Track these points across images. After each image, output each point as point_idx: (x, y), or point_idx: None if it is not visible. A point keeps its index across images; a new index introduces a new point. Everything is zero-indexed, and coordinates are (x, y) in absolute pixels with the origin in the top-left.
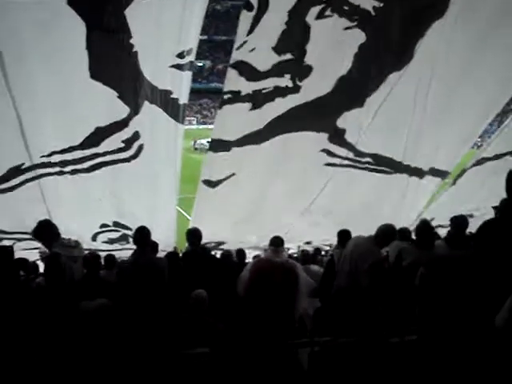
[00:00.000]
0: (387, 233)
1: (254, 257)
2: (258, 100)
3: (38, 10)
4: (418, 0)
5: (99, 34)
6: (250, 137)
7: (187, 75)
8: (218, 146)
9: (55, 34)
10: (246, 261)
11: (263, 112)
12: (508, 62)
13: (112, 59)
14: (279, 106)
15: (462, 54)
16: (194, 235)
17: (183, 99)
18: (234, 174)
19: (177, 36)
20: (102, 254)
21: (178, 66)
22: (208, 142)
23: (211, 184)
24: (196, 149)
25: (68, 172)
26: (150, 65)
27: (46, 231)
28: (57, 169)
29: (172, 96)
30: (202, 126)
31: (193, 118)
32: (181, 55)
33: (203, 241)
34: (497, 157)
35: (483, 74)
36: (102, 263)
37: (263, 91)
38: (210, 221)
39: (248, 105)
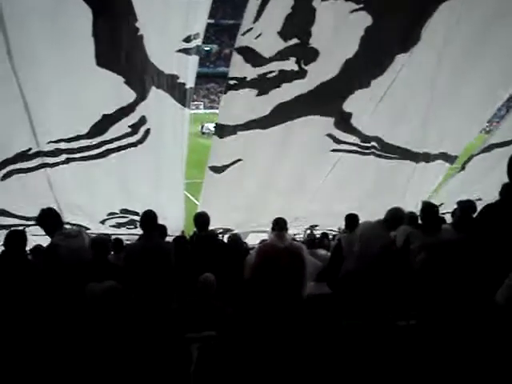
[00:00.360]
0: (396, 216)
1: (261, 241)
2: (263, 86)
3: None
4: None
5: (105, 19)
6: (256, 122)
7: (194, 59)
8: (224, 130)
9: (61, 20)
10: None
11: (269, 98)
12: None
13: (118, 44)
14: (286, 92)
15: (469, 39)
16: (201, 219)
17: (190, 83)
18: (239, 160)
19: (183, 20)
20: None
21: (185, 51)
22: (215, 126)
23: (217, 170)
24: (203, 133)
25: (75, 159)
26: (156, 49)
27: (48, 220)
28: (63, 157)
29: (178, 81)
30: (209, 111)
31: (200, 103)
32: (187, 39)
33: (211, 226)
34: (505, 143)
35: (490, 59)
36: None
37: (268, 75)
38: (217, 206)
39: (254, 91)
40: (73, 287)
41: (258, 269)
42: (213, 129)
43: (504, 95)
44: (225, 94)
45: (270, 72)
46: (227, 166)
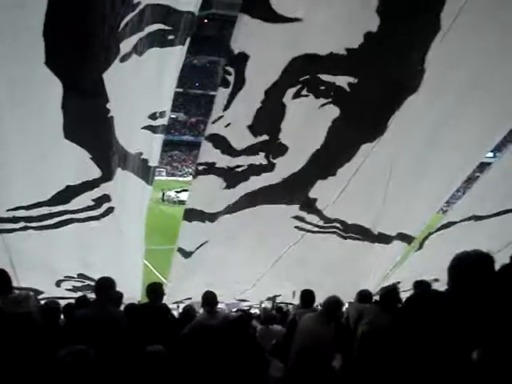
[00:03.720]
0: (331, 307)
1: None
2: (232, 179)
3: (15, 67)
4: (392, 75)
5: (75, 96)
6: (223, 211)
7: (159, 138)
8: (192, 215)
9: (30, 90)
10: None
11: (236, 190)
12: (474, 134)
13: (87, 123)
14: (253, 184)
15: (432, 128)
16: (155, 290)
17: (153, 162)
18: (206, 242)
19: (150, 96)
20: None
21: (150, 128)
22: (176, 192)
23: (185, 254)
24: (164, 200)
25: (33, 227)
26: (123, 128)
27: None
28: (21, 224)
29: (142, 157)
30: (171, 178)
31: (162, 169)
32: (153, 116)
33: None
34: (461, 221)
35: (450, 145)
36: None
37: (237, 169)
38: (184, 285)
39: (222, 182)
40: (20, 352)
41: (188, 349)
42: (174, 196)
43: (464, 175)
44: (194, 178)
45: (239, 166)
46: (195, 250)
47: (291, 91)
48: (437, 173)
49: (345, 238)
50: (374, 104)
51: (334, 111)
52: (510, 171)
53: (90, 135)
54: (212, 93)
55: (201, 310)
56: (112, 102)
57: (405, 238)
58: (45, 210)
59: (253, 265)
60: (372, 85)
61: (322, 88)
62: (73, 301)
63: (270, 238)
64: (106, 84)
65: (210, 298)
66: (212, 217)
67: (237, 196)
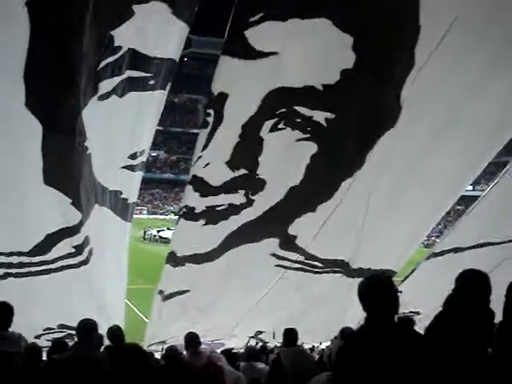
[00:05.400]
0: None
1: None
2: (212, 218)
3: None
4: (369, 111)
5: (55, 136)
6: (205, 255)
7: (138, 175)
8: (175, 259)
9: (10, 135)
10: None
11: (218, 230)
12: (454, 168)
13: (66, 163)
14: (233, 223)
15: (410, 159)
16: (114, 335)
17: (132, 199)
18: (187, 291)
19: (130, 137)
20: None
21: (130, 167)
22: (158, 230)
23: (163, 296)
24: (145, 239)
25: (13, 275)
26: (101, 166)
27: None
28: (1, 271)
29: (122, 196)
30: (152, 216)
31: (143, 208)
32: (133, 156)
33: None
34: (442, 253)
35: (430, 179)
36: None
37: (217, 209)
38: (166, 326)
39: (202, 221)
40: None
41: None
42: (156, 234)
43: (445, 209)
44: (176, 223)
45: (219, 205)
46: (174, 295)
47: (268, 124)
48: (417, 206)
49: (326, 272)
50: (352, 139)
51: (311, 147)
52: (493, 206)
53: (69, 176)
54: (192, 130)
55: (184, 352)
56: (90, 139)
57: (386, 273)
58: (25, 259)
59: (236, 306)
60: (349, 120)
61: (299, 120)
62: None
63: (252, 279)
64: (85, 121)
65: (192, 339)
66: (193, 259)
67: (219, 239)
